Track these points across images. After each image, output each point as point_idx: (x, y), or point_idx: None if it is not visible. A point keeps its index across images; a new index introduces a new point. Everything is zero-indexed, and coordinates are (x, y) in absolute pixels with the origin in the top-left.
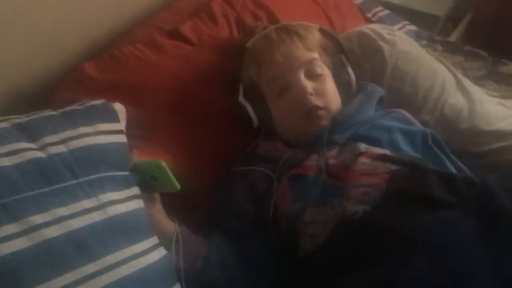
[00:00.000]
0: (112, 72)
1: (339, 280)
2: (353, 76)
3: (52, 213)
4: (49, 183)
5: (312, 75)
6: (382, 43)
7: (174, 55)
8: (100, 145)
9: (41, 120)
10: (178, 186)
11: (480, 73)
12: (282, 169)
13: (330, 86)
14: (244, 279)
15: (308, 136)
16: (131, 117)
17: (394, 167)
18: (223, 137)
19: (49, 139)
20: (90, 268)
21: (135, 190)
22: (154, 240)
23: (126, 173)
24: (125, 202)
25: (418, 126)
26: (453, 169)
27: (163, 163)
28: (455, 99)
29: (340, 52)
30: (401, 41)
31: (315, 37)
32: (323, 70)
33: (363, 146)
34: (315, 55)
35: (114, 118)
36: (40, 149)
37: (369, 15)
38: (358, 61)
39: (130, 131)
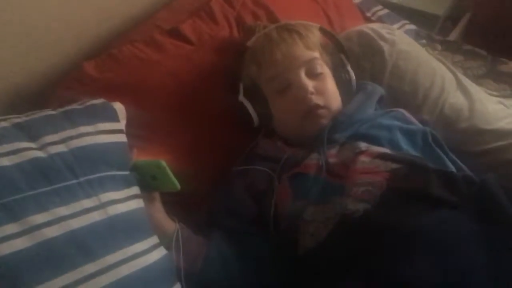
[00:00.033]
0: (112, 72)
1: (339, 278)
2: (353, 76)
3: (52, 213)
4: (49, 183)
5: (313, 74)
6: (382, 43)
7: (174, 55)
8: (100, 145)
9: (41, 120)
10: (178, 185)
11: (480, 72)
12: (283, 168)
13: (331, 85)
14: (244, 278)
15: (308, 135)
16: (131, 117)
17: (394, 165)
18: (223, 137)
19: (49, 138)
20: (90, 268)
21: (135, 190)
22: (154, 239)
23: (126, 172)
24: (125, 201)
25: (417, 125)
26: (452, 168)
27: (163, 163)
28: (455, 98)
29: (340, 51)
30: (400, 41)
31: (315, 36)
32: (324, 69)
33: (363, 145)
34: (316, 54)
35: (114, 117)
36: (40, 148)
37: (368, 14)
38: (358, 60)
39: (130, 130)
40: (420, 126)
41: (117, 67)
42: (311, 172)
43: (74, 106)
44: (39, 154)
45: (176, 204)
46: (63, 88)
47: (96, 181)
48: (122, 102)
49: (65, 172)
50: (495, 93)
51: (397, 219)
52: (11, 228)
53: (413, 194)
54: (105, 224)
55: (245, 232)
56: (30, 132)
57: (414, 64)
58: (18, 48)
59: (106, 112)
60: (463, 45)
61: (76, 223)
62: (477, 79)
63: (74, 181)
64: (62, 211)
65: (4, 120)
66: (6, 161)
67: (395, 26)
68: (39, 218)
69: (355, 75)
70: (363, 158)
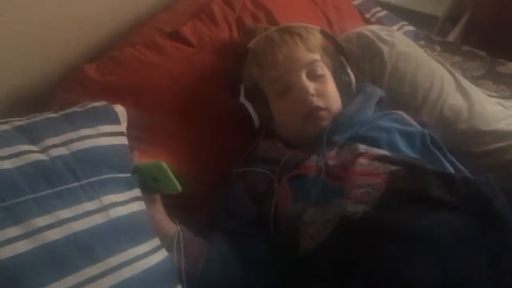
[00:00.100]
0: (113, 74)
1: (338, 279)
2: (353, 78)
3: (54, 216)
4: (51, 186)
5: (314, 76)
6: (381, 45)
7: (174, 57)
8: (102, 147)
9: (42, 123)
10: (179, 187)
11: (478, 73)
12: (282, 170)
13: (331, 87)
14: (245, 280)
15: (309, 137)
16: (132, 119)
17: (393, 167)
18: (224, 138)
19: (50, 141)
20: (92, 270)
21: (136, 192)
22: (155, 241)
23: (128, 175)
24: (126, 204)
25: (416, 127)
26: (451, 170)
27: (164, 165)
28: (454, 100)
29: (340, 53)
30: (400, 42)
31: (316, 38)
32: (324, 71)
33: (362, 147)
34: (317, 56)
35: (115, 120)
36: (42, 151)
37: (367, 15)
38: (358, 62)
39: (131, 132)
40: (419, 128)
41: (118, 69)
42: (311, 174)
43: (75, 108)
44: (41, 157)
45: (177, 206)
46: (64, 91)
47: (98, 183)
48: (123, 105)
49: (66, 175)
50: (494, 94)
51: (397, 221)
52: (13, 231)
53: (412, 195)
54: (107, 226)
55: (245, 234)
56: (31, 135)
57: (413, 66)
58: (19, 50)
59: (107, 115)
60: (462, 46)
61: (78, 226)
62: (476, 80)
63: (76, 184)
64: (64, 213)
65: (6, 123)
66: (8, 164)
67: (394, 27)
68: (41, 221)
69: (355, 77)
70: (362, 160)
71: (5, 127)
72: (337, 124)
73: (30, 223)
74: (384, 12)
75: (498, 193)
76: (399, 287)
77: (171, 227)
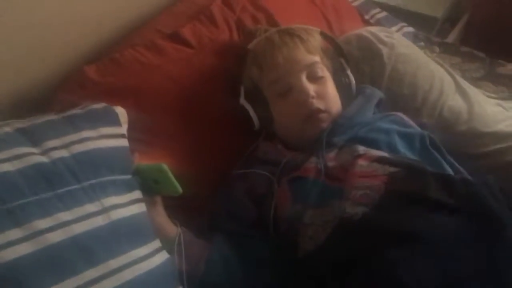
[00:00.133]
0: (113, 76)
1: (338, 281)
2: (353, 80)
3: (55, 218)
4: (52, 188)
5: (314, 78)
6: (381, 46)
7: (174, 58)
8: (103, 149)
9: (43, 125)
10: (179, 189)
11: (478, 74)
12: (282, 172)
13: (331, 89)
14: (246, 281)
15: (309, 139)
16: (132, 121)
17: (392, 169)
18: (224, 140)
19: (51, 143)
20: (93, 272)
21: (137, 194)
22: (156, 243)
23: (128, 176)
24: (127, 206)
25: (415, 128)
26: (450, 171)
27: (165, 166)
28: (454, 101)
29: (340, 55)
30: (399, 44)
31: (316, 40)
32: (324, 73)
33: (361, 149)
34: (317, 58)
35: (116, 121)
36: (43, 153)
37: (367, 17)
38: (357, 64)
39: (131, 134)
40: (418, 129)
41: (118, 71)
42: (310, 176)
43: (76, 110)
44: (42, 159)
45: (178, 208)
46: (65, 92)
47: (99, 185)
48: (123, 106)
49: (67, 177)
50: (493, 95)
51: (396, 222)
52: (14, 234)
53: (412, 197)
54: (108, 228)
55: (245, 235)
56: (32, 137)
57: (413, 67)
58: (19, 52)
59: (108, 117)
60: (461, 47)
61: (79, 228)
62: (475, 81)
63: (77, 186)
64: (65, 216)
65: (7, 125)
66: (9, 167)
67: (393, 28)
68: (42, 223)
69: (355, 78)
70: (361, 162)
71: (6, 129)
72: (336, 125)
73: (31, 225)
74: (384, 14)
75: (497, 195)
76: None
77: (172, 229)
